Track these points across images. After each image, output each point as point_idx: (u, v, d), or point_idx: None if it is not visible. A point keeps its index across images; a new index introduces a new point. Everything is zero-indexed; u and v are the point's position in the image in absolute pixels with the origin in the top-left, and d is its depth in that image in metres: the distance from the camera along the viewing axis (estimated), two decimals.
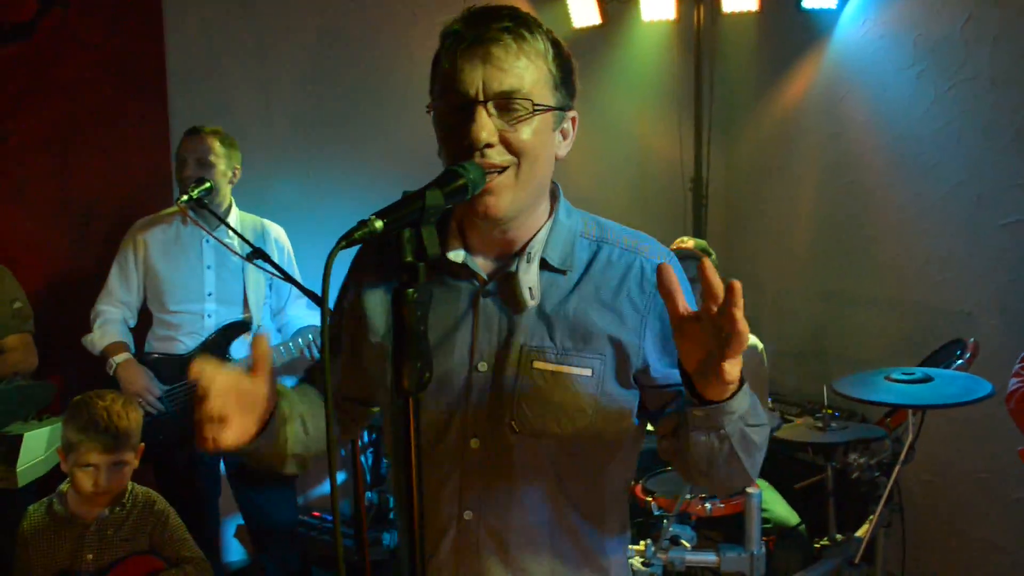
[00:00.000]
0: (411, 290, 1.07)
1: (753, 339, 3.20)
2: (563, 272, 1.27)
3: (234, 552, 3.72)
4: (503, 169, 1.20)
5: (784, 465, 3.29)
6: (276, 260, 2.91)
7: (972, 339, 2.76)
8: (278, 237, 3.06)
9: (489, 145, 1.18)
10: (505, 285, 1.27)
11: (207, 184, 2.72)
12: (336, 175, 3.75)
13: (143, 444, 2.23)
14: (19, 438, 2.32)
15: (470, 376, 1.27)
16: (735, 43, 4.05)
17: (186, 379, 2.80)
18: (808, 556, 2.57)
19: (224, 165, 2.87)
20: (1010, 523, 2.95)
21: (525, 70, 1.18)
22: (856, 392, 2.28)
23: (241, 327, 2.90)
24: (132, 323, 2.98)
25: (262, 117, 3.69)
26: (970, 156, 3.07)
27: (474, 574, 1.29)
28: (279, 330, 3.13)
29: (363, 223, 1.03)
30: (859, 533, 2.45)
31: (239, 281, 2.92)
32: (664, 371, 1.27)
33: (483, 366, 1.26)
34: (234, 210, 2.98)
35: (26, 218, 3.35)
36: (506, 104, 1.18)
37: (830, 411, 3.36)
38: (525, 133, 1.19)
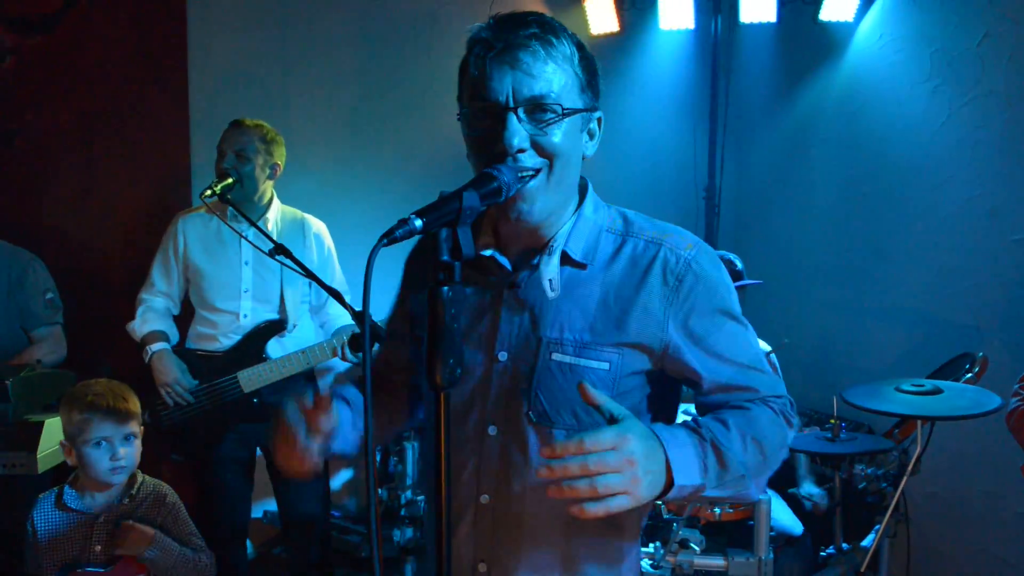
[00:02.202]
0: (446, 288, 1.10)
1: (764, 345, 3.22)
2: (584, 266, 1.31)
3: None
4: (536, 172, 1.23)
5: (791, 474, 3.31)
6: (312, 255, 2.94)
7: (981, 353, 2.78)
8: (319, 232, 3.01)
9: (521, 150, 1.21)
10: (529, 279, 1.31)
11: (229, 180, 2.72)
12: (354, 173, 3.78)
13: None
14: (40, 425, 2.34)
15: (490, 366, 1.31)
16: (752, 53, 4.07)
17: (220, 377, 2.83)
18: (811, 565, 2.59)
19: (263, 160, 2.84)
20: (1016, 536, 2.97)
21: (553, 75, 1.22)
22: (866, 402, 2.31)
23: (276, 327, 2.89)
24: (175, 311, 2.98)
25: (283, 112, 3.72)
26: (984, 171, 3.09)
27: (490, 555, 1.33)
28: (321, 326, 3.11)
29: (403, 221, 1.06)
30: (865, 543, 2.47)
31: (276, 278, 2.89)
32: (700, 360, 1.28)
33: (503, 356, 1.30)
34: (275, 204, 2.96)
35: (51, 208, 3.39)
36: (536, 109, 1.22)
37: (835, 420, 3.39)
38: (556, 137, 1.23)
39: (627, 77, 4.09)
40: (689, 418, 1.28)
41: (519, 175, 1.21)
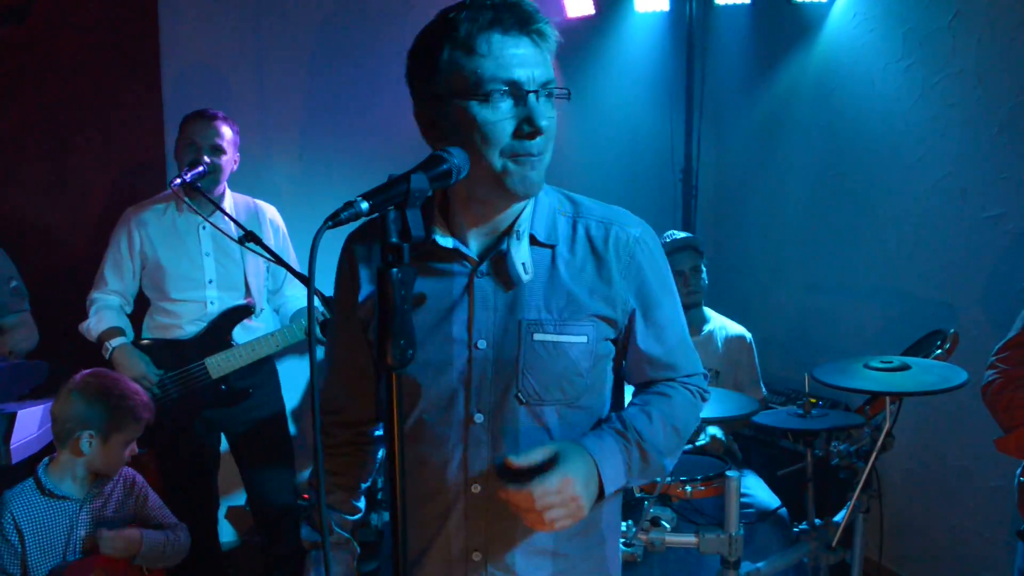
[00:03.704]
0: (395, 269, 1.11)
1: (741, 329, 3.24)
2: (551, 247, 1.35)
3: (225, 533, 3.76)
4: (540, 154, 1.28)
5: (767, 452, 3.35)
6: (271, 241, 2.96)
7: (953, 330, 2.80)
8: (273, 218, 3.06)
9: (540, 131, 1.25)
10: (498, 264, 1.33)
11: (200, 168, 2.72)
12: (329, 159, 3.77)
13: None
14: (13, 415, 2.34)
15: (470, 355, 1.32)
16: (727, 35, 4.08)
17: (187, 364, 2.83)
18: (788, 539, 2.62)
19: (231, 152, 2.88)
20: (988, 510, 3.01)
21: (551, 60, 1.29)
22: (835, 379, 2.32)
23: (243, 311, 2.91)
24: (128, 309, 2.99)
25: (256, 100, 3.71)
26: (955, 149, 3.11)
27: (484, 544, 1.36)
28: (276, 311, 3.15)
29: (349, 204, 1.07)
30: (837, 519, 2.50)
31: (239, 267, 2.92)
32: (643, 332, 1.40)
33: (482, 344, 1.32)
34: (228, 193, 2.99)
35: (23, 199, 3.38)
36: (549, 92, 1.27)
37: (814, 400, 3.42)
38: (554, 118, 1.30)
39: (603, 60, 4.10)
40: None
41: (521, 156, 1.25)
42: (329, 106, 3.80)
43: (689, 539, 2.22)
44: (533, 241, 1.34)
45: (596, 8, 3.89)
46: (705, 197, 4.15)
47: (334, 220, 1.05)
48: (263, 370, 3.01)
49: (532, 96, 1.24)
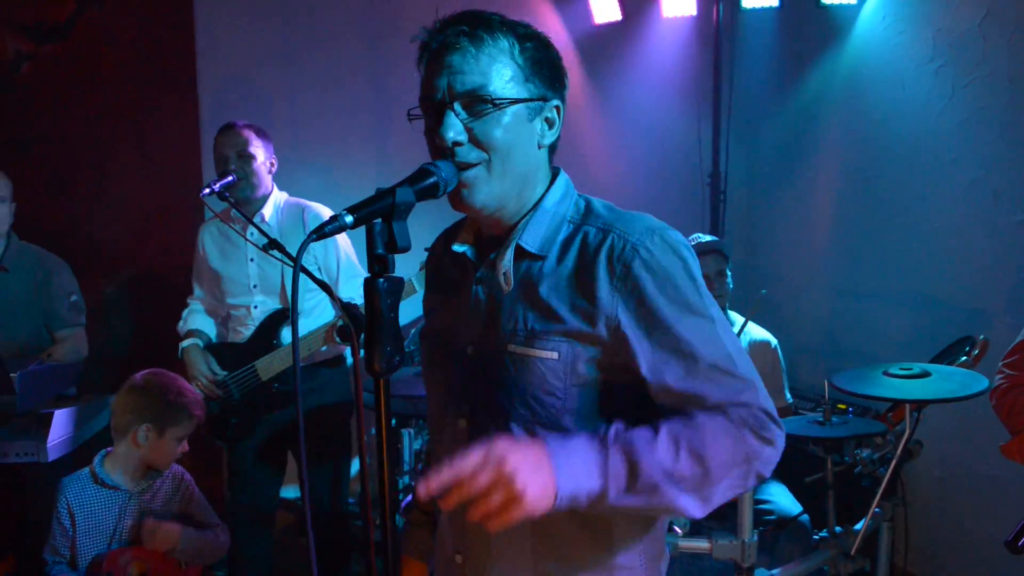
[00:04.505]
0: (382, 280, 1.15)
1: (766, 334, 3.22)
2: (540, 258, 1.29)
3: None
4: (476, 165, 1.25)
5: (793, 459, 3.31)
6: (337, 251, 3.02)
7: (982, 336, 2.75)
8: (317, 215, 3.04)
9: (458, 143, 1.24)
10: (491, 272, 1.33)
11: (229, 178, 2.80)
12: (359, 168, 3.85)
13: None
14: (50, 415, 2.45)
15: (462, 360, 1.34)
16: (755, 38, 4.05)
17: (246, 365, 2.93)
18: (809, 546, 2.60)
19: (262, 156, 2.94)
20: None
21: (488, 68, 1.24)
22: (853, 387, 2.30)
23: (283, 315, 2.99)
24: (223, 313, 3.07)
25: (288, 111, 3.81)
26: (987, 152, 3.06)
27: (464, 547, 1.38)
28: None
29: (334, 218, 1.11)
30: (857, 527, 2.48)
31: (277, 270, 2.98)
32: (645, 357, 1.21)
33: (471, 350, 1.33)
34: (273, 197, 3.02)
35: (68, 208, 3.52)
36: (471, 104, 1.24)
37: (844, 407, 3.38)
38: (494, 129, 1.24)
39: (630, 65, 4.10)
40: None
41: (458, 171, 1.24)
42: (360, 114, 3.88)
43: (702, 544, 2.22)
44: (520, 251, 1.30)
45: (623, 14, 3.91)
46: (734, 201, 4.13)
47: (319, 233, 1.09)
48: (322, 373, 3.05)
49: (447, 110, 1.24)
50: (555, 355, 1.25)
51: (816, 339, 3.97)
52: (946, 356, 2.82)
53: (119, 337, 3.07)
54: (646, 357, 1.21)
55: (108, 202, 3.56)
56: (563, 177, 1.37)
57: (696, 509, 1.18)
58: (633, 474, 1.13)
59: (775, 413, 1.21)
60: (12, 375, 2.38)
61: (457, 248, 1.37)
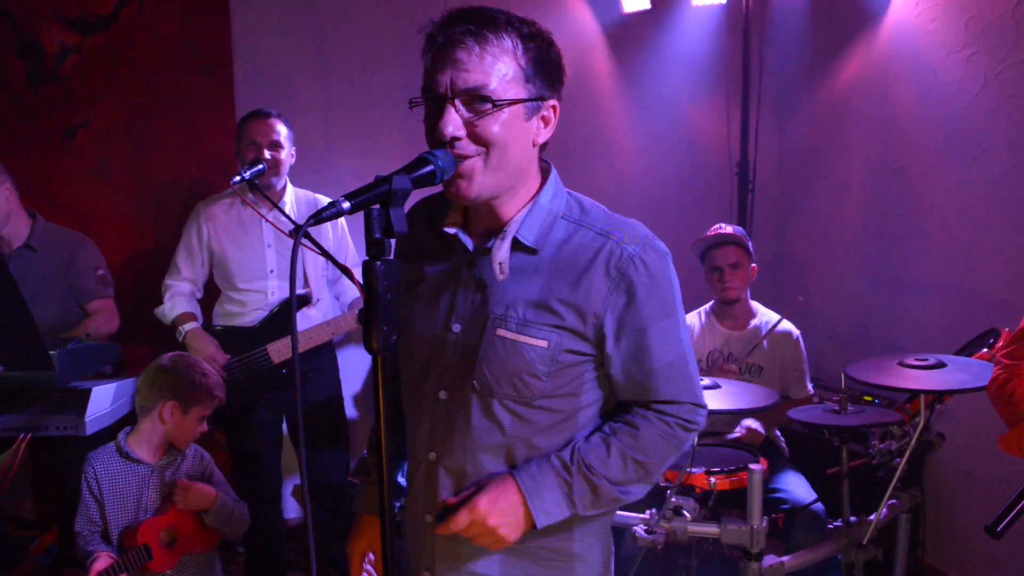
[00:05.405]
0: (379, 263, 1.21)
1: (788, 325, 3.22)
2: (534, 251, 1.38)
3: (289, 510, 3.98)
4: (473, 157, 1.31)
5: (809, 448, 3.31)
6: (329, 233, 3.12)
7: (1007, 328, 2.72)
8: None
9: (456, 138, 1.30)
10: (484, 259, 1.40)
11: (260, 166, 2.90)
12: (391, 158, 3.91)
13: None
14: (88, 392, 2.57)
15: (446, 336, 1.42)
16: (785, 27, 4.02)
17: (251, 349, 3.04)
18: (823, 535, 2.61)
19: (288, 147, 3.05)
20: None
21: (490, 68, 1.29)
22: (867, 376, 2.31)
23: (302, 301, 3.09)
24: (198, 295, 3.21)
25: (321, 101, 3.90)
26: (1019, 141, 3.00)
27: (435, 510, 1.45)
28: (337, 298, 3.33)
29: (332, 204, 1.17)
30: (872, 516, 2.48)
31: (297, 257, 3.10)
32: (619, 356, 1.39)
33: (456, 328, 1.41)
34: (289, 187, 3.15)
35: (108, 194, 3.66)
36: (473, 100, 1.29)
37: (869, 398, 3.36)
38: (492, 126, 1.30)
39: (659, 54, 4.10)
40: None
41: (455, 161, 1.30)
42: (389, 106, 3.95)
43: (711, 529, 2.25)
44: (517, 244, 1.38)
45: (652, 2, 3.91)
46: (762, 191, 4.11)
47: (316, 219, 1.15)
48: (321, 356, 3.18)
49: (448, 105, 1.29)
50: (544, 343, 1.36)
51: (844, 329, 3.95)
52: (971, 347, 2.80)
53: (158, 319, 3.18)
54: (618, 358, 1.39)
55: (148, 187, 3.69)
56: (554, 174, 1.44)
57: (642, 494, 1.47)
58: (595, 493, 1.40)
59: (703, 400, 1.47)
60: (51, 352, 2.49)
61: (449, 230, 1.42)
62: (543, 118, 1.38)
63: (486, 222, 1.42)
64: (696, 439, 2.27)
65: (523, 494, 1.36)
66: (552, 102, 1.38)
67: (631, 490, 1.43)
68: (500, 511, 1.35)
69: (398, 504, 1.69)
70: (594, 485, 1.38)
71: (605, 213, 1.42)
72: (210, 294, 3.27)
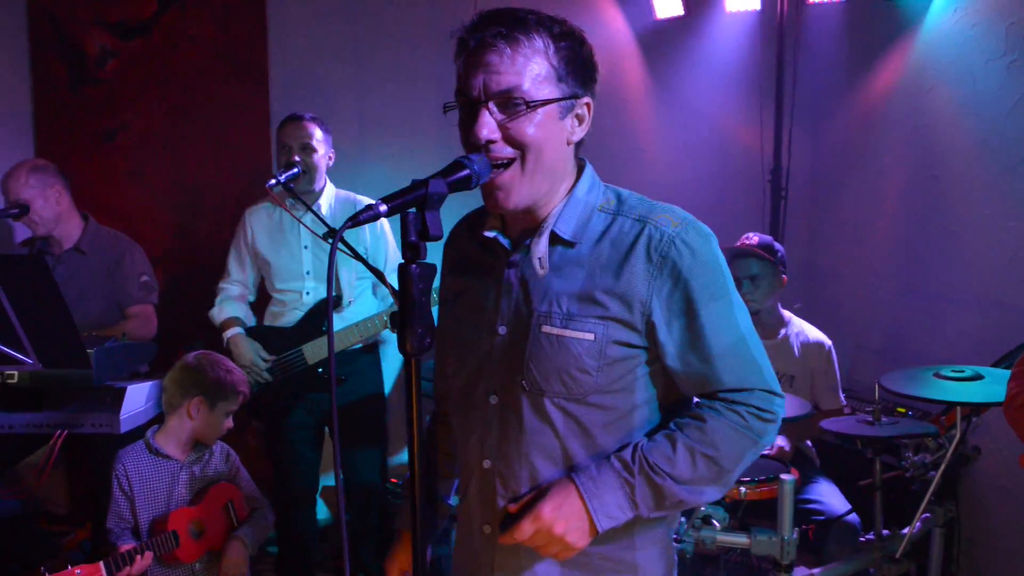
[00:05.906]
0: (414, 266, 1.22)
1: (820, 335, 3.17)
2: (573, 244, 1.37)
3: (319, 511, 4.00)
4: (509, 162, 1.31)
5: (842, 459, 3.26)
6: (367, 234, 3.13)
7: None
8: None
9: (491, 141, 1.30)
10: (524, 258, 1.40)
11: (295, 169, 2.93)
12: (423, 162, 3.95)
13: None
14: (123, 390, 2.62)
15: (492, 340, 1.41)
16: (820, 33, 3.98)
17: (289, 349, 3.07)
18: (856, 548, 2.58)
19: (323, 149, 3.08)
20: None
21: (523, 68, 1.29)
22: (903, 388, 2.28)
23: (335, 302, 3.12)
24: (251, 298, 3.27)
25: (355, 105, 3.93)
26: None
27: (494, 519, 1.43)
28: (384, 300, 3.32)
29: (369, 207, 1.18)
30: (905, 530, 2.44)
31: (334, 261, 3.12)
32: (674, 343, 1.34)
33: (502, 329, 1.40)
34: (327, 190, 3.17)
35: (145, 196, 3.73)
36: (505, 103, 1.30)
37: (903, 410, 3.31)
38: (527, 128, 1.30)
39: (693, 60, 4.08)
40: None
41: (492, 165, 1.31)
42: (425, 111, 3.97)
43: (741, 540, 2.23)
44: (555, 238, 1.37)
45: (685, 9, 3.89)
46: (796, 199, 4.06)
47: (354, 221, 1.16)
48: (361, 359, 3.19)
49: (482, 108, 1.29)
50: (591, 336, 1.33)
51: (878, 340, 3.89)
52: (1008, 360, 2.74)
53: (194, 320, 3.23)
54: (672, 345, 1.34)
55: (185, 189, 3.75)
56: (589, 168, 1.43)
57: (717, 495, 1.39)
58: (659, 496, 1.33)
59: (777, 388, 1.38)
60: (89, 351, 2.54)
61: (488, 234, 1.42)
62: (577, 116, 1.37)
63: (523, 222, 1.42)
64: None
65: (583, 497, 1.31)
66: (586, 100, 1.37)
67: (704, 491, 1.35)
68: (565, 517, 1.31)
69: (442, 520, 1.70)
70: (657, 485, 1.32)
71: (642, 200, 1.40)
72: (264, 296, 3.32)
